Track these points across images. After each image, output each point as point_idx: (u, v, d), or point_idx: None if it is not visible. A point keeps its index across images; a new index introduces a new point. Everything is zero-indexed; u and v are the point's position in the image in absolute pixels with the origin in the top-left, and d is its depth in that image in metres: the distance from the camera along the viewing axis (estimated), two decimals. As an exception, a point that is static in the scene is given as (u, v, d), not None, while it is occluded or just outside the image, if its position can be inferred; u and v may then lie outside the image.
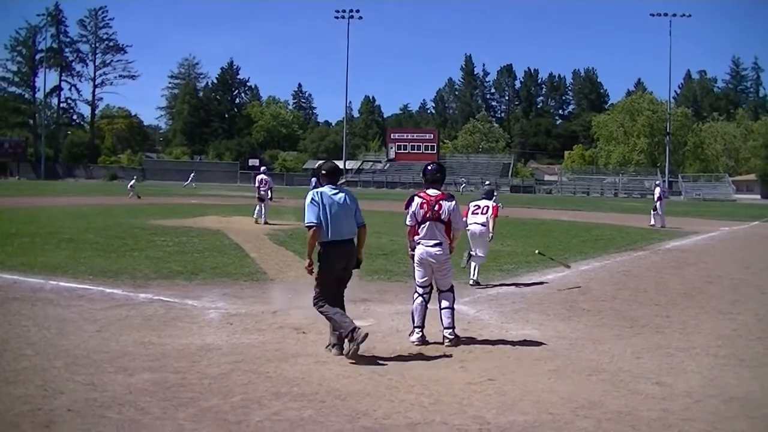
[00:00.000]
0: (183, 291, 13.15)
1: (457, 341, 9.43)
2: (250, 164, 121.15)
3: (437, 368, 8.42)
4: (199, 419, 6.43)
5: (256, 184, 31.54)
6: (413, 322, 9.62)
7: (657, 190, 36.33)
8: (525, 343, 9.87)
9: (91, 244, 19.92)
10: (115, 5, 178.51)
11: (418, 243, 9.50)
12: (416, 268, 9.62)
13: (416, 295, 9.68)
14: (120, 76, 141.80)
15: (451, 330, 9.46)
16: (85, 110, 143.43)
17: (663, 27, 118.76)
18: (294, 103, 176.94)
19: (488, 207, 15.21)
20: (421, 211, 9.42)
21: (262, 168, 35.53)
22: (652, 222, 34.78)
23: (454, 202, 9.51)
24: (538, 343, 9.84)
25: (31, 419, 6.31)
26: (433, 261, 9.41)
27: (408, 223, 9.71)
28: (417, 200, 9.48)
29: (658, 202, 35.05)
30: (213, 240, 22.16)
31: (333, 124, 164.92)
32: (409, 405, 7.00)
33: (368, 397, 7.20)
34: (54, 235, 21.98)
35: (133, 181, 55.06)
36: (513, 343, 9.80)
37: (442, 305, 9.53)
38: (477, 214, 15.01)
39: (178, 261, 16.91)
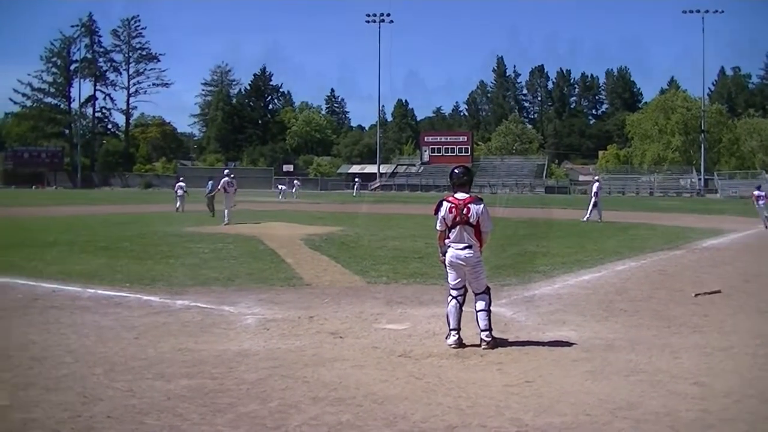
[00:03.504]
0: (219, 297, 13.21)
1: (494, 343, 9.39)
2: (284, 170, 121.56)
3: (474, 371, 8.40)
4: (237, 425, 6.46)
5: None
6: (449, 325, 9.60)
7: (595, 186, 37.87)
8: (562, 344, 9.82)
9: (127, 252, 20.13)
10: (148, 15, 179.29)
11: (449, 246, 9.48)
12: (448, 271, 9.61)
13: (450, 297, 9.66)
14: (153, 84, 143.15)
15: (487, 332, 9.43)
16: (120, 119, 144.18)
17: (696, 24, 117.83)
18: (327, 107, 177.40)
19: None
20: (450, 216, 9.37)
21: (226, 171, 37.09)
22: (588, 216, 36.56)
23: (482, 205, 9.46)
24: (575, 345, 9.79)
25: (71, 426, 6.36)
26: (464, 264, 9.39)
27: (438, 228, 9.64)
28: (446, 204, 9.43)
29: (595, 197, 36.78)
30: (248, 246, 22.28)
31: (366, 129, 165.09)
32: (446, 408, 6.99)
33: (406, 400, 7.20)
34: (90, 243, 22.23)
35: (181, 188, 45.90)
36: (550, 345, 9.76)
37: (478, 307, 9.50)
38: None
39: (214, 267, 17.02)
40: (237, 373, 8.16)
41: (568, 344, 9.81)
